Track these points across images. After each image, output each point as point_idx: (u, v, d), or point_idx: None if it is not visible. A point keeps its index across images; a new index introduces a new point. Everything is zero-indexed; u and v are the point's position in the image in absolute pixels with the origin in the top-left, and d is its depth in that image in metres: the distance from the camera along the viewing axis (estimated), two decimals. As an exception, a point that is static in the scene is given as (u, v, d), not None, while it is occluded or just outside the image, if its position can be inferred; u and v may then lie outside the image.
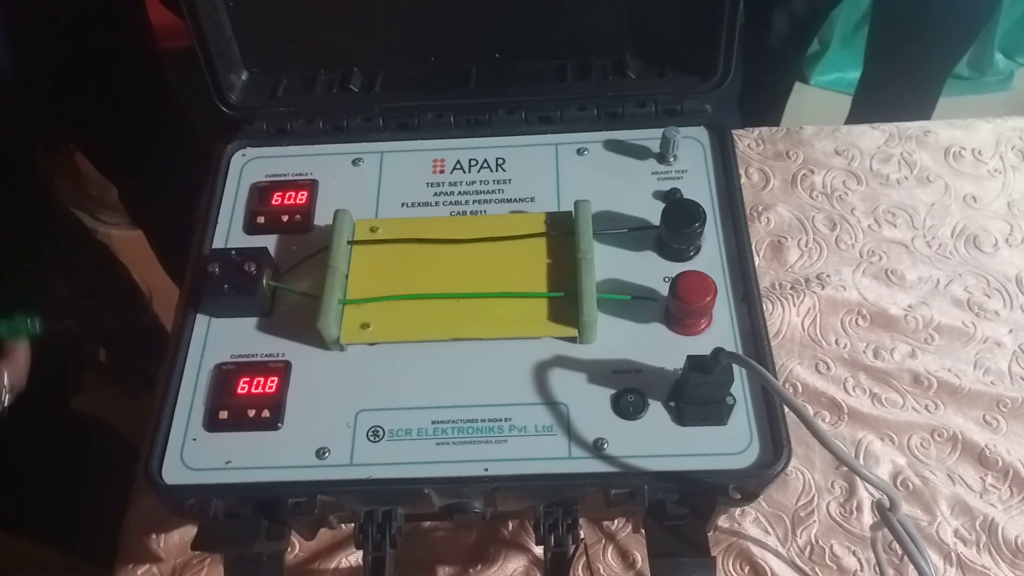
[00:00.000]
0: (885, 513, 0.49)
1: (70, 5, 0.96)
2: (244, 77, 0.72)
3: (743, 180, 0.80)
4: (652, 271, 0.62)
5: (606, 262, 0.62)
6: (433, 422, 0.56)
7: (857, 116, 1.33)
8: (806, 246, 0.77)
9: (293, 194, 0.68)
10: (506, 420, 0.56)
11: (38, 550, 1.09)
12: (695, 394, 0.54)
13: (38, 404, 0.97)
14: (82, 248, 1.35)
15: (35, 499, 0.99)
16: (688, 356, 0.54)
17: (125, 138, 1.14)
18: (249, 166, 0.70)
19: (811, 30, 1.30)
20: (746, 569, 0.63)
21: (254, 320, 0.62)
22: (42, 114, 1.11)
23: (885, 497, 0.49)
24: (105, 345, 1.42)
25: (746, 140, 0.84)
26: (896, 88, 1.23)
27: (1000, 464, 0.65)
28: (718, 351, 0.51)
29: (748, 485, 0.53)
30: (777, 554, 0.63)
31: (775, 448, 0.54)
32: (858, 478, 0.63)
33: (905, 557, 0.53)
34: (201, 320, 0.62)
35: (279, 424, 0.57)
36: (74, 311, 1.37)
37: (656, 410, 0.56)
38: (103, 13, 1.01)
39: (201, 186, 0.75)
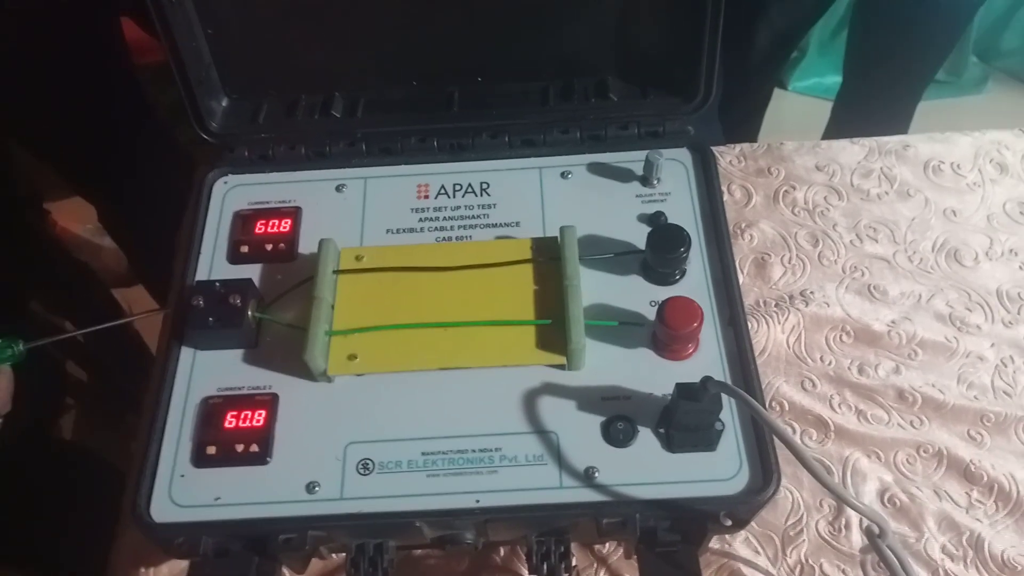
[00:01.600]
0: (875, 540, 0.49)
1: (41, 23, 0.95)
2: (224, 103, 0.71)
3: (725, 197, 0.80)
4: (638, 295, 0.62)
5: (592, 287, 0.62)
6: (423, 453, 0.56)
7: (836, 127, 1.34)
8: (789, 263, 0.78)
9: (277, 222, 0.67)
10: (496, 450, 0.56)
11: (22, 580, 1.08)
12: (684, 421, 0.55)
13: (17, 430, 0.96)
14: (60, 265, 1.34)
15: (16, 529, 0.98)
16: (677, 384, 0.54)
17: (101, 158, 1.13)
18: (231, 193, 0.70)
19: (792, 43, 1.31)
20: (737, 590, 0.63)
21: (240, 352, 0.61)
22: (15, 134, 1.09)
23: (874, 524, 0.49)
24: (85, 365, 1.40)
25: (728, 156, 0.85)
26: (876, 101, 1.24)
27: (985, 479, 0.66)
28: (707, 380, 0.51)
29: (739, 512, 0.53)
30: (768, 574, 0.63)
31: (764, 473, 0.54)
32: (846, 497, 0.64)
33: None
34: (186, 353, 0.61)
35: (268, 458, 0.57)
36: (52, 330, 1.36)
37: (646, 437, 0.56)
38: (75, 31, 1.00)
39: (182, 205, 0.74)
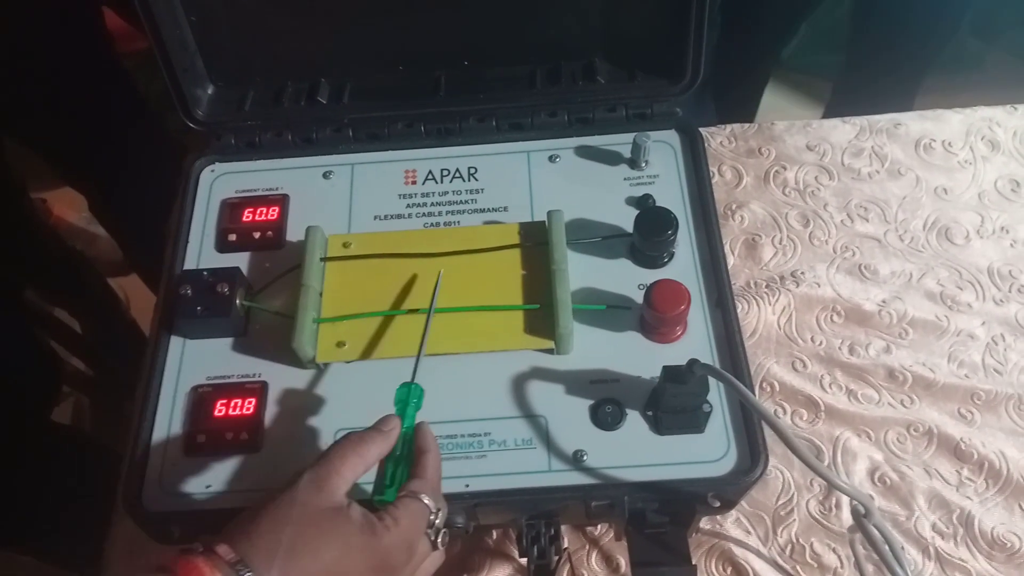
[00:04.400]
0: (861, 520, 0.50)
1: (28, 13, 0.95)
2: (210, 91, 0.71)
3: (716, 178, 0.80)
4: (627, 278, 0.62)
5: (581, 271, 0.62)
6: (412, 439, 0.56)
7: (838, 107, 1.33)
8: (780, 243, 0.78)
9: (264, 210, 0.67)
10: (485, 435, 0.56)
11: (24, 562, 1.09)
12: (672, 403, 0.55)
13: (15, 418, 0.97)
14: (54, 255, 1.33)
15: (15, 513, 0.98)
16: (664, 367, 0.54)
17: (91, 148, 1.12)
18: (219, 182, 0.70)
19: (796, 22, 1.29)
20: (728, 570, 0.63)
21: (229, 340, 0.61)
22: (5, 125, 1.09)
23: (860, 504, 0.49)
24: (81, 354, 1.41)
25: (718, 137, 0.84)
26: (880, 80, 1.22)
27: (975, 457, 0.66)
28: (693, 363, 0.51)
29: (727, 493, 0.54)
30: (759, 554, 0.64)
31: (752, 454, 0.54)
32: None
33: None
34: (176, 342, 0.62)
35: (258, 446, 0.57)
36: (47, 320, 1.36)
37: (634, 419, 0.57)
38: (63, 21, 0.99)
39: (172, 193, 0.74)
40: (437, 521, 0.48)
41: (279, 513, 0.44)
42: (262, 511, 0.44)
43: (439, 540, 0.48)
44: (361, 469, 0.47)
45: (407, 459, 0.50)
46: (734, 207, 0.80)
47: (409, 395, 0.52)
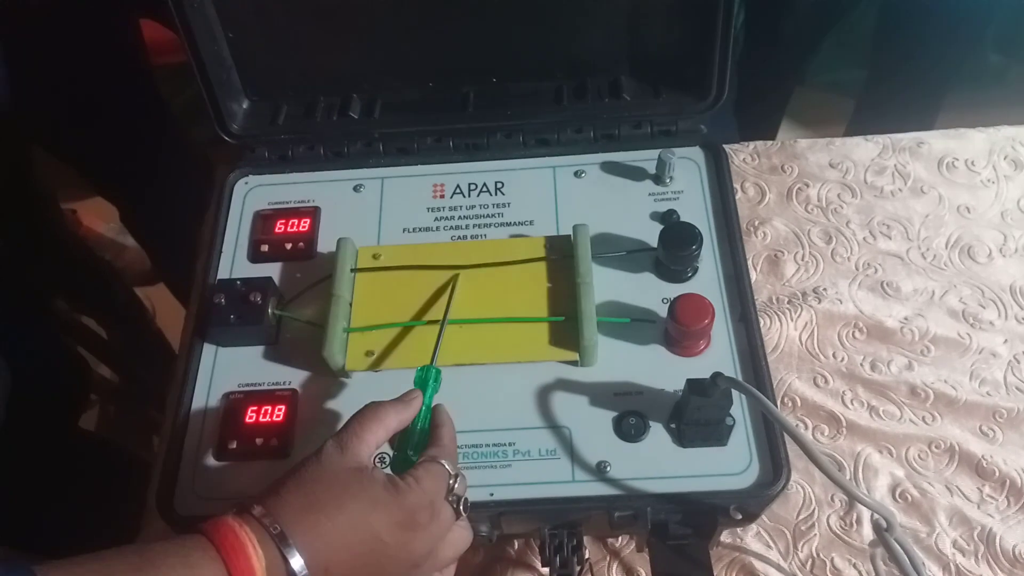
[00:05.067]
0: (883, 534, 0.50)
1: (62, 27, 0.97)
2: (245, 105, 0.73)
3: (739, 195, 0.81)
4: (651, 292, 0.63)
5: (605, 284, 0.63)
6: (439, 448, 0.57)
7: (860, 122, 1.33)
8: (803, 260, 0.78)
9: (296, 221, 0.69)
10: (510, 444, 0.57)
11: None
12: (695, 416, 0.55)
13: (43, 425, 0.98)
14: (82, 264, 1.36)
15: (45, 520, 1.00)
16: (688, 380, 0.55)
17: (121, 159, 1.15)
18: (252, 193, 0.71)
19: (817, 39, 1.30)
20: (749, 583, 0.64)
21: (260, 349, 0.63)
22: (37, 136, 1.11)
23: (881, 518, 0.50)
24: (108, 362, 1.43)
25: (741, 154, 0.85)
26: (902, 96, 1.23)
27: (997, 474, 0.66)
28: (717, 376, 0.52)
29: (749, 505, 0.54)
30: (779, 568, 0.64)
31: (775, 468, 0.55)
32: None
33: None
34: (208, 350, 0.63)
35: (288, 452, 0.58)
36: (75, 328, 1.38)
37: (657, 432, 0.57)
38: (95, 34, 1.01)
39: (201, 204, 0.76)
40: (456, 487, 0.49)
41: (305, 474, 0.46)
42: (288, 475, 0.46)
43: (460, 507, 0.50)
44: (383, 435, 0.49)
45: (424, 438, 0.52)
46: (757, 223, 0.81)
47: (427, 377, 0.54)
